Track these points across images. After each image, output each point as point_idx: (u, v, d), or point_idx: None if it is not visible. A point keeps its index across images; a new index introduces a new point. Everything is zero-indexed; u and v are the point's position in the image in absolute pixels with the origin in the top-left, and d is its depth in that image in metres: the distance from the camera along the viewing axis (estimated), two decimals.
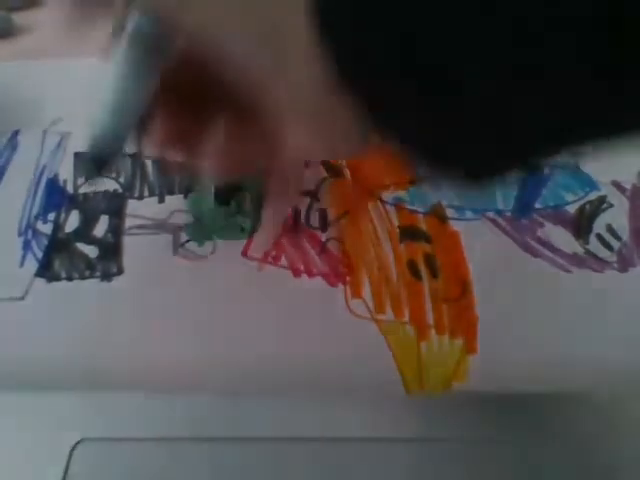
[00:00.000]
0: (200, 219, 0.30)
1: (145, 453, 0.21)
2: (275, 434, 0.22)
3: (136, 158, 0.32)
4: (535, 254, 0.28)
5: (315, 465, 0.21)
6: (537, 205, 0.30)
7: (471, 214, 0.29)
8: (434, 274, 0.27)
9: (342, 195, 0.30)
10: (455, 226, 0.29)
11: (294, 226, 0.29)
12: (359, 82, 0.19)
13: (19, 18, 0.42)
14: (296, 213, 0.29)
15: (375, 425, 0.22)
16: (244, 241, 0.29)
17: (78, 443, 0.21)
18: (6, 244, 0.29)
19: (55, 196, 0.31)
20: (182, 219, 0.30)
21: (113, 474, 0.21)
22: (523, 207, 0.30)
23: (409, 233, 0.29)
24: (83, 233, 0.29)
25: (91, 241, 0.29)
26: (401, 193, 0.30)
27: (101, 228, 0.29)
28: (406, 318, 0.26)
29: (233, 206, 0.30)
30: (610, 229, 0.29)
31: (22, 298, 0.27)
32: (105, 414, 0.22)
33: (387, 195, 0.30)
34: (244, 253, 0.28)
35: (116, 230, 0.29)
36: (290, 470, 0.21)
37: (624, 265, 0.27)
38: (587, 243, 0.28)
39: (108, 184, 0.31)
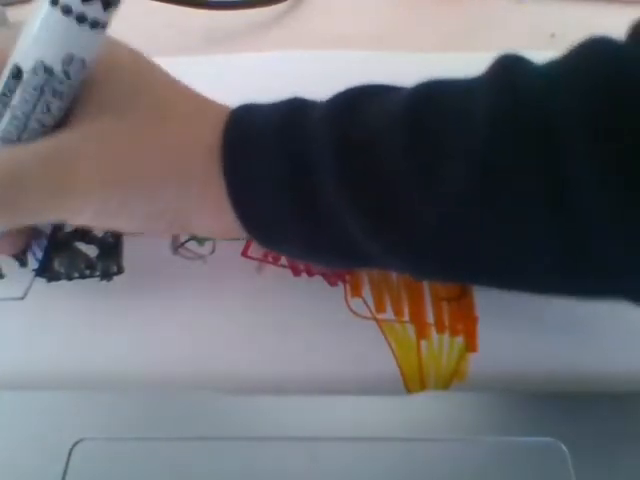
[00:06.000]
0: None
1: (145, 453, 0.21)
2: (275, 434, 0.22)
3: None
4: None
5: (315, 465, 0.21)
6: None
7: None
8: None
9: None
10: None
11: None
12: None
13: (13, 13, 0.42)
14: None
15: (375, 425, 0.22)
16: (244, 241, 0.29)
17: (77, 443, 0.21)
18: None
19: None
20: None
21: (112, 474, 0.21)
22: None
23: None
24: (83, 233, 0.29)
25: (91, 241, 0.29)
26: None
27: None
28: (406, 317, 0.26)
29: None
30: None
31: (22, 298, 0.27)
32: (105, 414, 0.22)
33: None
34: (244, 253, 0.28)
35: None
36: (290, 470, 0.21)
37: None
38: None
39: None
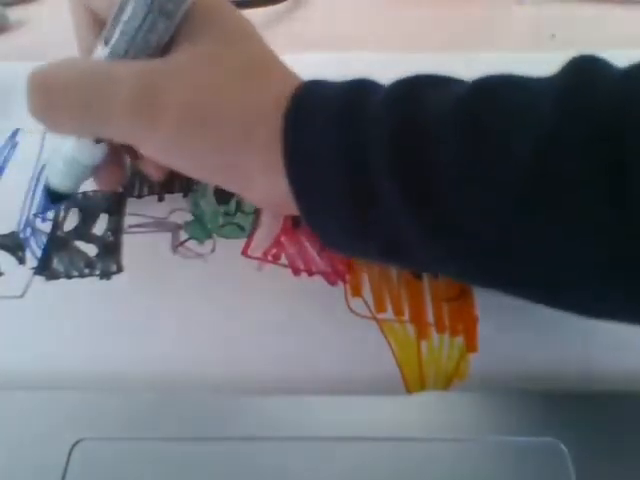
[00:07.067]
0: (200, 218, 0.29)
1: (145, 453, 0.21)
2: (275, 434, 0.22)
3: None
4: None
5: (315, 465, 0.21)
6: None
7: None
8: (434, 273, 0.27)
9: None
10: None
11: (294, 225, 0.29)
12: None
13: (13, 13, 0.42)
14: None
15: (375, 425, 0.22)
16: (244, 240, 0.29)
17: (77, 442, 0.21)
18: None
19: None
20: (182, 218, 0.30)
21: (112, 474, 0.21)
22: None
23: None
24: (82, 231, 0.29)
25: (90, 239, 0.29)
26: None
27: (100, 226, 0.29)
28: (406, 317, 0.26)
29: (233, 205, 0.30)
30: None
31: (21, 296, 0.27)
32: (105, 414, 0.22)
33: None
34: (244, 252, 0.28)
35: (115, 228, 0.29)
36: (290, 470, 0.21)
37: None
38: None
39: None
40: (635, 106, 0.17)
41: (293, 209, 0.23)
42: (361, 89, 0.22)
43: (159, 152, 0.24)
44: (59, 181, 0.27)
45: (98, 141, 0.25)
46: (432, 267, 0.23)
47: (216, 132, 0.22)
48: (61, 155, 0.26)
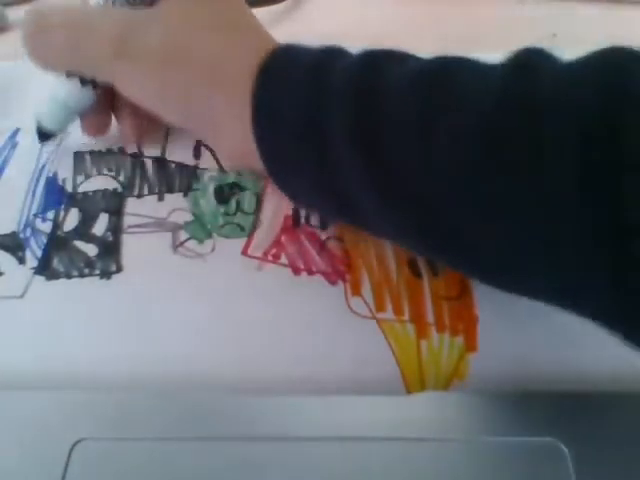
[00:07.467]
0: (200, 217, 0.29)
1: (145, 453, 0.21)
2: (275, 434, 0.22)
3: (135, 157, 0.32)
4: None
5: (315, 465, 0.21)
6: None
7: None
8: (434, 272, 0.27)
9: None
10: None
11: (294, 224, 0.29)
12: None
13: (13, 13, 0.42)
14: (296, 211, 0.29)
15: (375, 425, 0.22)
16: (244, 240, 0.29)
17: (77, 443, 0.21)
18: None
19: (54, 194, 0.31)
20: (182, 217, 0.30)
21: (112, 474, 0.21)
22: None
23: None
24: (82, 231, 0.29)
25: (90, 239, 0.29)
26: None
27: (100, 226, 0.29)
28: (406, 316, 0.26)
29: (233, 204, 0.30)
30: None
31: (21, 296, 0.27)
32: (105, 414, 0.22)
33: None
34: (244, 252, 0.28)
35: (115, 228, 0.29)
36: (290, 470, 0.21)
37: None
38: None
39: (107, 182, 0.31)
40: (564, 94, 0.17)
41: (258, 162, 0.24)
42: (330, 56, 0.23)
43: (137, 90, 0.25)
44: (47, 121, 0.29)
45: (84, 84, 0.27)
46: (387, 233, 0.24)
47: (192, 75, 0.24)
48: (50, 97, 0.28)
